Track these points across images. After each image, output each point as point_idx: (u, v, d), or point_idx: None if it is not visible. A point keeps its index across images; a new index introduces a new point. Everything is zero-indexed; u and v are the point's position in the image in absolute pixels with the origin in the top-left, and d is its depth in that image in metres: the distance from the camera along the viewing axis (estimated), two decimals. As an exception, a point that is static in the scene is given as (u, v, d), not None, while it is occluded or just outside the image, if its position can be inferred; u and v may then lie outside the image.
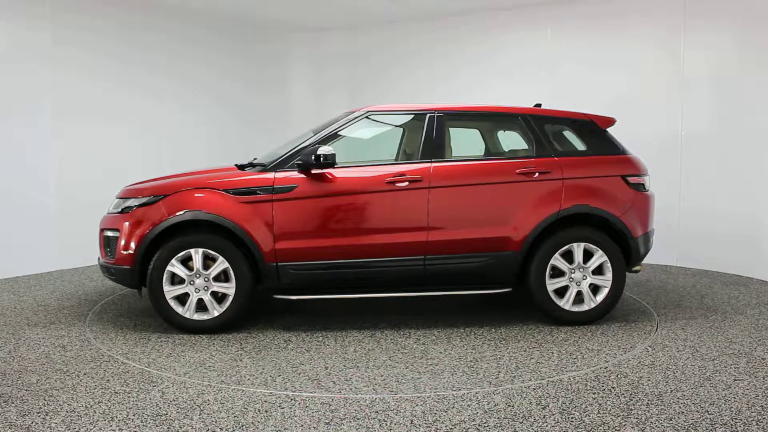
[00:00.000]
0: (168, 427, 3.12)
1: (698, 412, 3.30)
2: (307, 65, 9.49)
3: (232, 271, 4.61)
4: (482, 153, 5.57)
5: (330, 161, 4.62)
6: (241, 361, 4.12)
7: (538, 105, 5.43)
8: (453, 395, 3.54)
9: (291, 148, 4.87)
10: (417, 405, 3.40)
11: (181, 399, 3.47)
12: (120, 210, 4.76)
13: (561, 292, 4.87)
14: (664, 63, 7.12)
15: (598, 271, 4.89)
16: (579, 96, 7.40)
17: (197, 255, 4.59)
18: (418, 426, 3.15)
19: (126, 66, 7.49)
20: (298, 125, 8.16)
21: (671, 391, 3.57)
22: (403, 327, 4.89)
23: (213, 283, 4.63)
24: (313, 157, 4.62)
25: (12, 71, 6.56)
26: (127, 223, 4.64)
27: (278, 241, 4.62)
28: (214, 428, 3.12)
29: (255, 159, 5.29)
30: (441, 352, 4.32)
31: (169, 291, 4.60)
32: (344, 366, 4.04)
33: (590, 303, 4.87)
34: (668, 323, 4.96)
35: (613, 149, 5.10)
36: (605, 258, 4.85)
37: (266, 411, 3.32)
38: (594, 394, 3.55)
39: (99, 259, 4.98)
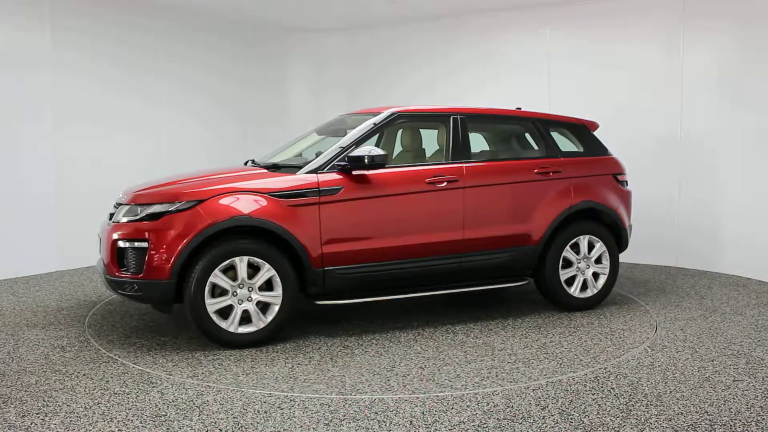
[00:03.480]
0: (167, 428, 3.12)
1: (697, 412, 3.30)
2: (307, 66, 9.48)
3: (278, 279, 4.34)
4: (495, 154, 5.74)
5: (380, 162, 4.54)
6: (328, 371, 3.93)
7: (518, 108, 5.68)
8: (452, 396, 3.54)
9: (330, 148, 4.71)
10: (416, 406, 3.40)
11: (180, 400, 3.47)
12: (141, 217, 4.27)
13: (568, 281, 5.28)
14: (664, 63, 7.11)
15: (598, 260, 5.38)
16: (578, 96, 7.40)
17: (242, 263, 4.27)
18: (417, 427, 3.15)
19: (125, 67, 7.48)
20: (297, 126, 8.15)
21: (670, 392, 3.57)
22: (438, 324, 4.93)
23: (258, 293, 4.34)
24: (347, 159, 4.54)
25: (11, 72, 6.55)
26: (157, 232, 4.18)
27: (325, 244, 4.48)
28: (213, 429, 3.12)
29: (252, 160, 5.28)
30: (503, 343, 4.46)
31: (212, 304, 4.24)
32: (435, 365, 4.04)
33: (593, 289, 5.36)
34: (667, 324, 4.96)
35: (603, 150, 5.66)
36: (604, 248, 5.36)
37: (265, 412, 3.32)
38: (593, 394, 3.55)
39: (106, 275, 4.39)
